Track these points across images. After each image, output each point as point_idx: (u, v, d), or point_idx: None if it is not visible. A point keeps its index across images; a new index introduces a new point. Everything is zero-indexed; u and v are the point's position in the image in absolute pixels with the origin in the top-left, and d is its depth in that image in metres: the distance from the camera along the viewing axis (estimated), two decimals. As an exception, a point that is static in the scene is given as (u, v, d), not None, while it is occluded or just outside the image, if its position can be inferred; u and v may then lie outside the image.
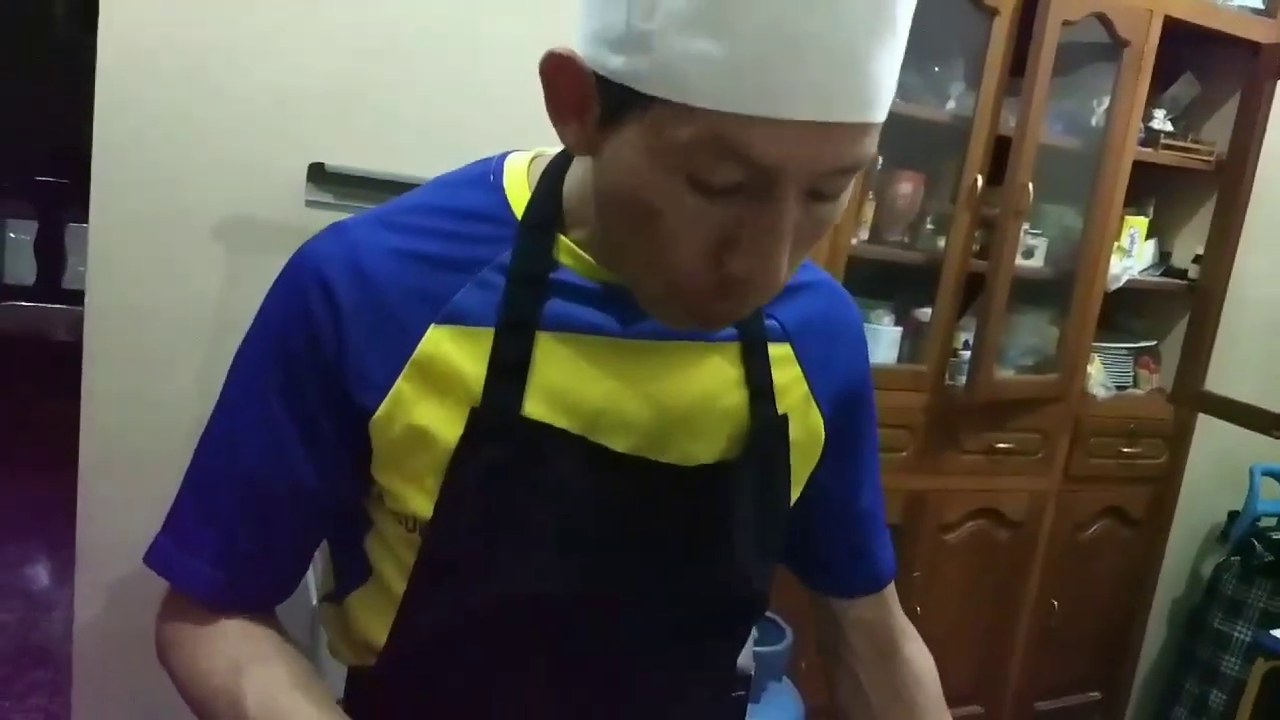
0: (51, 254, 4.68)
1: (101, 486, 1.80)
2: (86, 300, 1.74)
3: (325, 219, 1.93)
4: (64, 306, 4.49)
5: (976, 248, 2.39)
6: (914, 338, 2.46)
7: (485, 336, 0.71)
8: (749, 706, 1.84)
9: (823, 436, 0.85)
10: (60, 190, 4.44)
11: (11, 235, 4.83)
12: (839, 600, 0.93)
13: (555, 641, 0.75)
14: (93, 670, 1.84)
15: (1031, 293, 2.50)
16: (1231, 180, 2.70)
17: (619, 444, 0.74)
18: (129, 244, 1.74)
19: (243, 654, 0.74)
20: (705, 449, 0.77)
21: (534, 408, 0.71)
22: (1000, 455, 2.53)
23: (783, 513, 0.83)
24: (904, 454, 2.39)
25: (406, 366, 0.70)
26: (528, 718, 0.78)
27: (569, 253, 0.73)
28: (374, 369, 0.70)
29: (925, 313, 2.42)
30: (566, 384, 0.72)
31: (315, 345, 0.70)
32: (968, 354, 2.40)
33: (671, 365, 0.75)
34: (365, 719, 0.76)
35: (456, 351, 0.70)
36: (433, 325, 0.70)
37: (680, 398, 0.75)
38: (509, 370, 0.70)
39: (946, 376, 2.44)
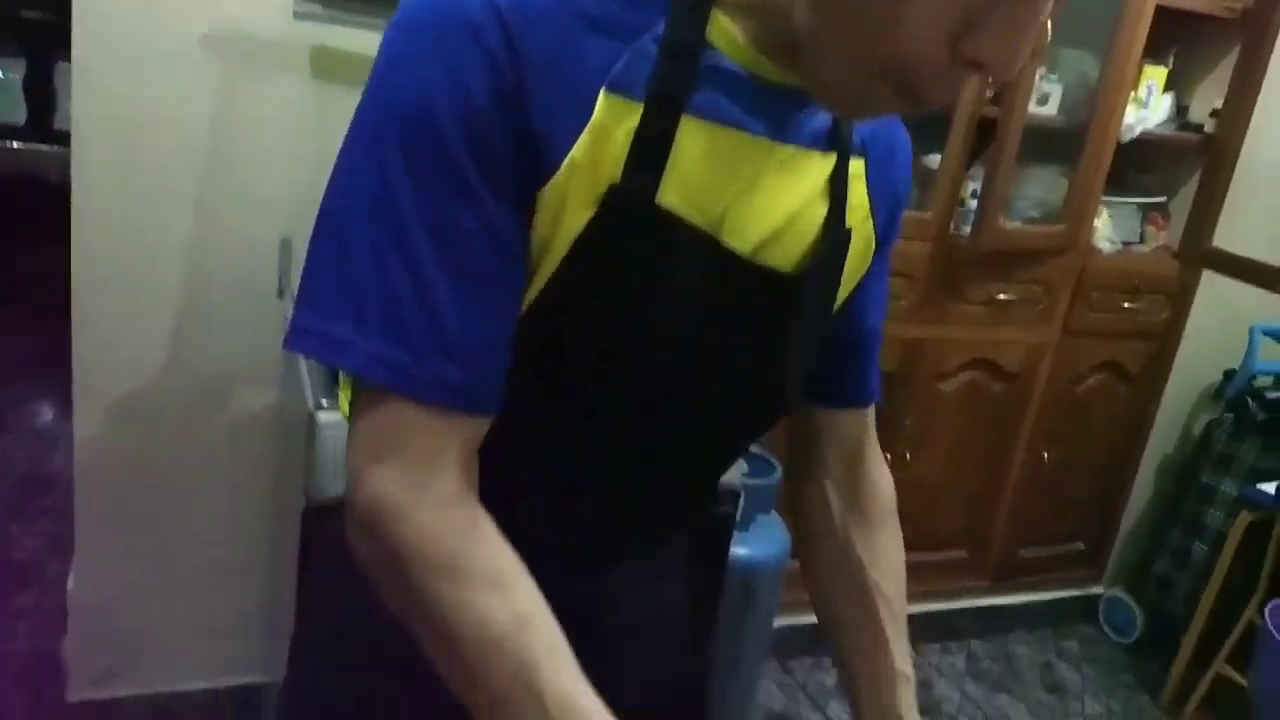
0: (42, 94, 4.56)
1: (96, 321, 1.80)
2: (73, 127, 1.70)
3: (314, 32, 1.87)
4: (56, 148, 4.41)
5: (990, 94, 2.32)
6: (920, 185, 2.41)
7: (635, 112, 0.66)
8: (736, 534, 1.89)
9: (872, 254, 0.85)
10: (49, 28, 4.29)
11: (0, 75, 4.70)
12: (825, 411, 0.94)
13: (628, 420, 0.74)
14: (93, 496, 1.88)
15: (1043, 144, 2.44)
16: (1256, 30, 2.60)
17: (738, 245, 0.72)
18: (113, 71, 1.69)
19: (517, 592, 0.65)
20: (786, 257, 0.76)
21: (669, 196, 0.68)
22: (1001, 306, 2.52)
23: (828, 326, 0.84)
24: (904, 303, 2.38)
25: (584, 133, 0.64)
26: (573, 496, 0.79)
27: (722, 32, 0.68)
28: (556, 131, 0.64)
29: (933, 159, 2.37)
30: (703, 177, 0.69)
31: (500, 96, 0.62)
32: (974, 203, 2.36)
33: (784, 169, 0.73)
34: None
35: (614, 124, 0.65)
36: (603, 91, 0.65)
37: (784, 205, 0.74)
38: (652, 150, 0.66)
39: (951, 225, 2.41)
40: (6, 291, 3.57)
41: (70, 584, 1.94)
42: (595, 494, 0.80)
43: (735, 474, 1.78)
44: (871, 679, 0.88)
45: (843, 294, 0.85)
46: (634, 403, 0.73)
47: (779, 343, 0.78)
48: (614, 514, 0.81)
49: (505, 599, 0.63)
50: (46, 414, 3.02)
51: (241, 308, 1.88)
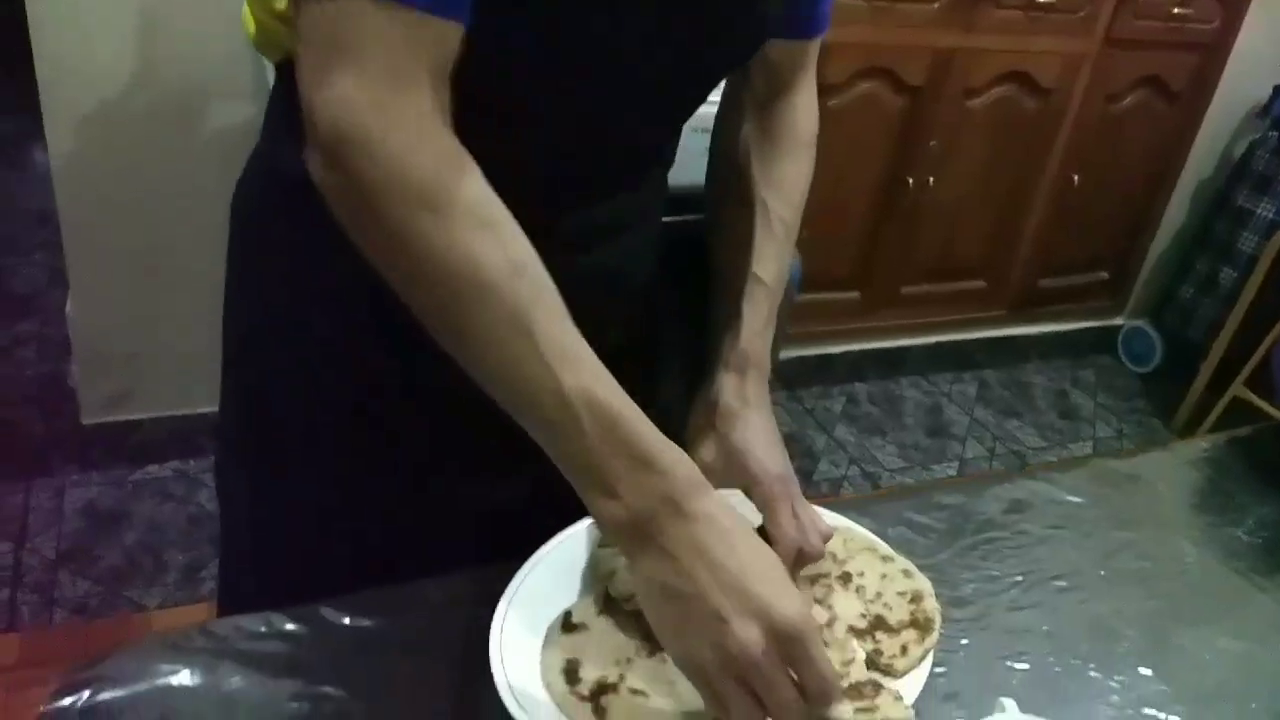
0: None
1: (55, 34, 1.67)
2: None
3: None
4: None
5: None
6: None
7: None
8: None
9: None
10: None
11: None
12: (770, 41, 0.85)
13: (602, 41, 0.68)
14: (79, 224, 1.82)
15: None
16: None
17: None
18: None
19: (507, 235, 0.60)
20: None
21: None
22: (1039, 13, 2.32)
23: None
24: (934, 6, 2.19)
25: None
26: (547, 129, 0.72)
27: None
28: None
29: None
30: None
31: None
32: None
33: None
34: None
35: None
36: None
37: None
38: None
39: (989, -83, 2.18)
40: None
41: (69, 310, 1.91)
42: (569, 127, 0.72)
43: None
44: (724, 284, 0.84)
45: None
46: (609, 22, 0.66)
47: None
48: (587, 147, 0.74)
49: (497, 241, 0.60)
50: (38, 150, 2.92)
51: (209, 18, 1.74)
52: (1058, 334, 2.92)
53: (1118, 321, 3.02)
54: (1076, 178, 2.60)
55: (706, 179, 0.91)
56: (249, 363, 0.87)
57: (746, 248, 0.84)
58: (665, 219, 0.93)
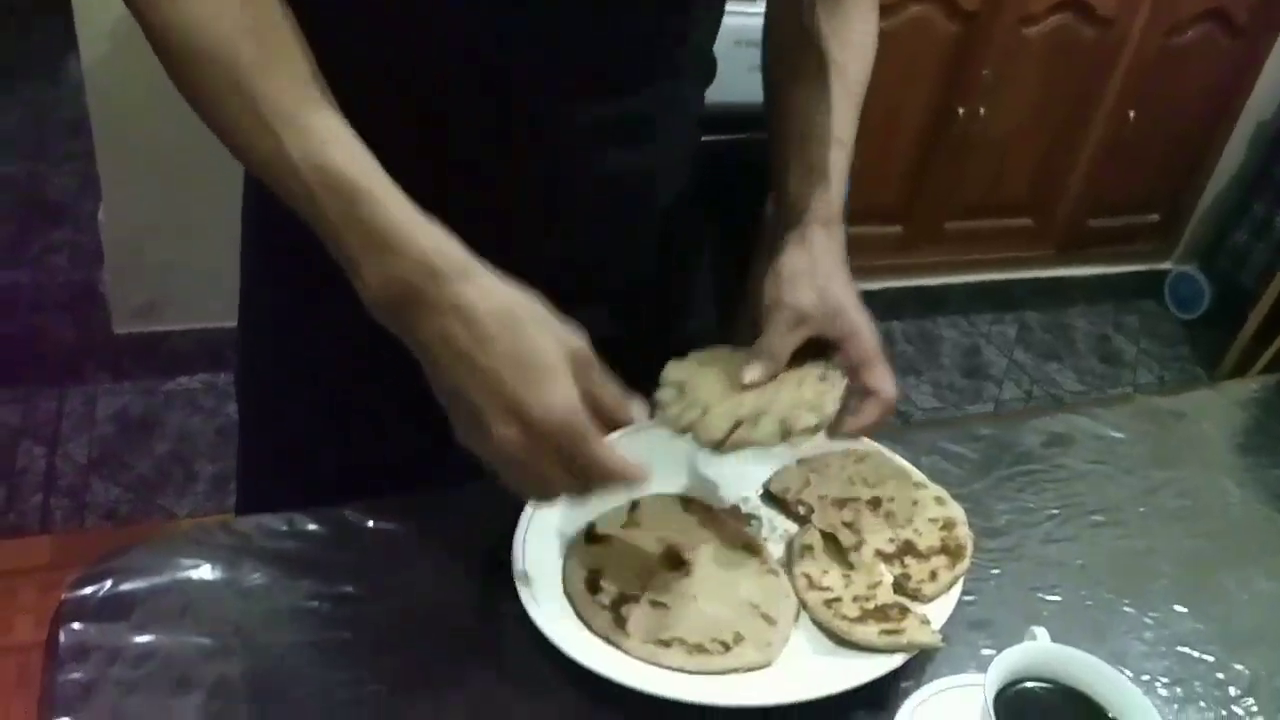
0: None
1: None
2: None
3: None
4: None
5: None
6: None
7: None
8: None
9: None
10: None
11: None
12: None
13: None
14: (111, 132, 1.81)
15: None
16: None
17: None
18: None
19: (247, 4, 0.58)
20: None
21: None
22: (1102, -62, 2.23)
23: None
24: (992, -72, 2.10)
25: None
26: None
27: None
28: None
29: None
30: None
31: None
32: None
33: None
34: None
35: None
36: None
37: None
38: None
39: None
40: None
41: (101, 218, 1.91)
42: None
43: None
44: (801, 137, 0.78)
45: None
46: None
47: None
48: (591, 28, 0.70)
49: (226, 5, 0.57)
50: (72, 59, 2.91)
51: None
52: (1103, 277, 2.85)
53: (1165, 266, 2.94)
54: (1132, 114, 2.51)
55: (764, 39, 0.85)
56: (266, 270, 0.86)
57: (824, 107, 0.78)
58: (705, 137, 0.90)
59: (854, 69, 0.80)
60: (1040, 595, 0.76)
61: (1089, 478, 0.89)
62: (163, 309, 1.99)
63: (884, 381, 0.72)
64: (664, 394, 0.70)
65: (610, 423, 0.59)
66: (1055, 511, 0.84)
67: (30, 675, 1.50)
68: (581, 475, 0.57)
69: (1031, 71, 2.35)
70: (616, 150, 0.75)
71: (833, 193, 0.77)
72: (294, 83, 0.58)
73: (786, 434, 0.67)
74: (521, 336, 0.56)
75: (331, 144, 0.56)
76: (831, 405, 0.69)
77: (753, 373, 0.70)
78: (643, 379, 0.66)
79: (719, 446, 0.67)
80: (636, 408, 0.61)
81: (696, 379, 0.71)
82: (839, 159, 0.78)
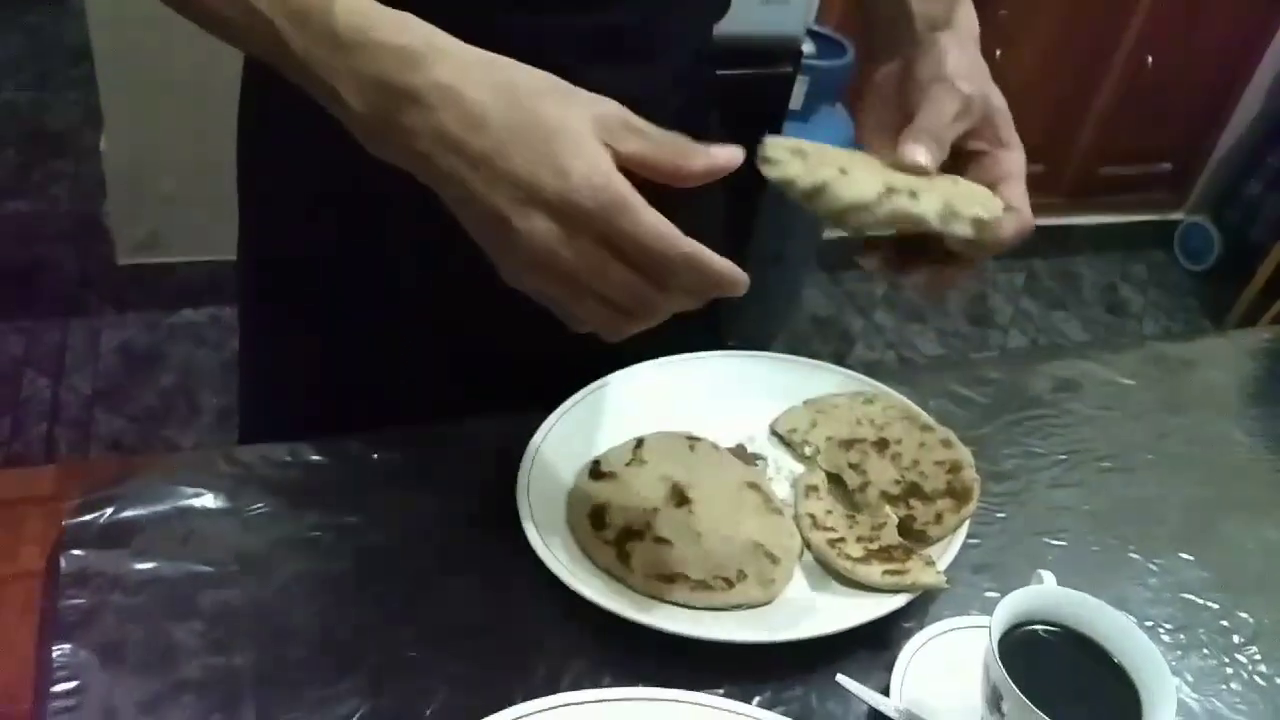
0: None
1: None
2: None
3: None
4: None
5: None
6: None
7: None
8: (792, 124, 1.74)
9: None
10: None
11: None
12: None
13: None
14: (112, 61, 1.78)
15: None
16: None
17: None
18: None
19: None
20: None
21: None
22: (1128, -125, 2.16)
23: None
24: None
25: None
26: None
27: None
28: None
29: None
30: None
31: None
32: None
33: None
34: None
35: None
36: None
37: None
38: None
39: None
40: None
41: (103, 147, 1.89)
42: None
43: (798, 29, 1.59)
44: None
45: None
46: None
47: None
48: None
49: None
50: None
51: None
52: (1112, 225, 2.82)
53: (1176, 216, 2.91)
54: (1150, 59, 2.47)
55: None
56: (262, 200, 0.84)
57: None
58: (720, 71, 0.87)
59: None
60: (1046, 540, 0.75)
61: (1097, 423, 0.88)
62: (166, 241, 1.97)
63: (1025, 202, 0.64)
64: (775, 151, 0.55)
65: (677, 177, 0.49)
66: (1063, 456, 0.83)
67: (36, 605, 1.52)
68: (640, 263, 0.47)
69: (1049, 13, 2.30)
70: (592, 73, 0.71)
71: (969, 8, 0.68)
72: None
73: (951, 217, 0.56)
74: (520, 106, 0.47)
75: None
76: (998, 205, 0.60)
77: (916, 152, 0.59)
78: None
79: (865, 214, 0.54)
80: (719, 151, 0.50)
81: (818, 150, 0.57)
82: (964, 13, 0.68)
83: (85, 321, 1.95)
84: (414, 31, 0.49)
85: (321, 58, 0.49)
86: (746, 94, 1.24)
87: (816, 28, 1.73)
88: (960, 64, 0.64)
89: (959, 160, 0.64)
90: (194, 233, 1.97)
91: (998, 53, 2.24)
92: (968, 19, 0.69)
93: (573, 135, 0.47)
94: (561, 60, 0.67)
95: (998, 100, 0.65)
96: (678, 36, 0.77)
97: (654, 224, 0.47)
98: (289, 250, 0.82)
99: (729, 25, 0.84)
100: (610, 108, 0.50)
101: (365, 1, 0.50)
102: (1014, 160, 0.65)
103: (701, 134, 0.51)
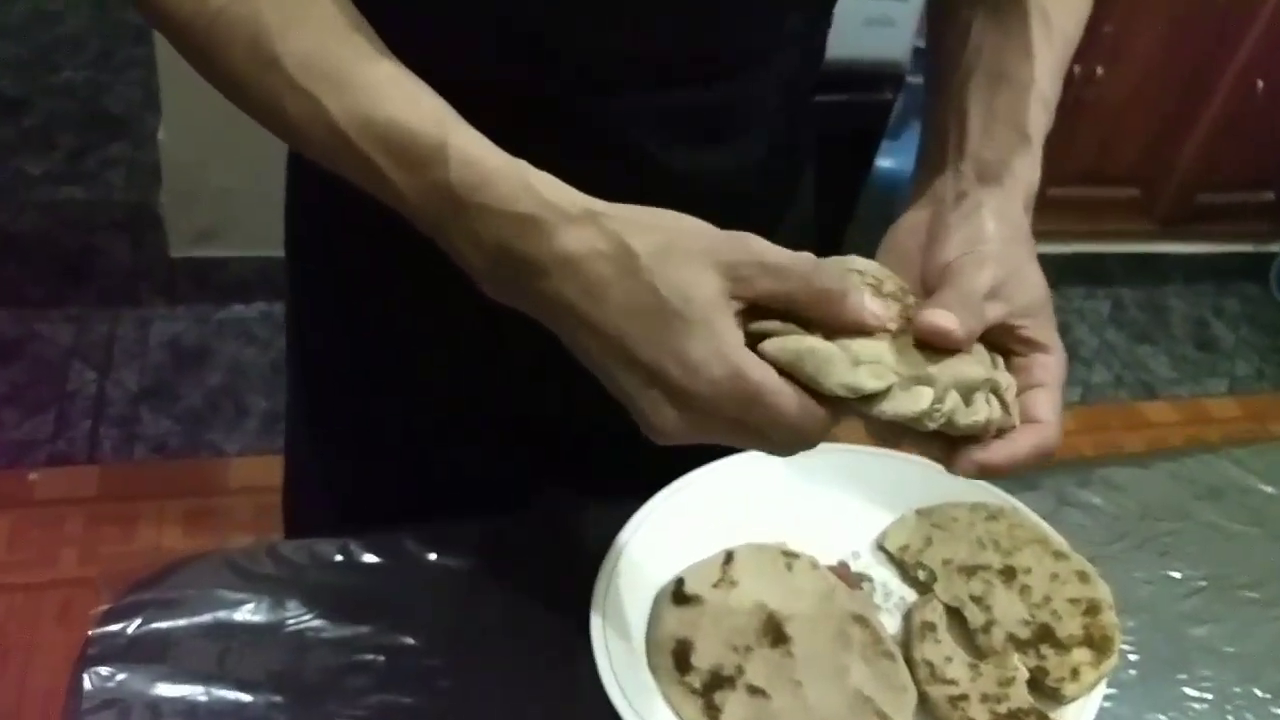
0: None
1: None
2: None
3: None
4: None
5: None
6: None
7: None
8: (885, 142, 1.63)
9: None
10: None
11: None
12: None
13: None
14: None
15: None
16: None
17: None
18: None
19: None
20: None
21: None
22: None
23: None
24: None
25: None
26: None
27: None
28: None
29: None
30: None
31: None
32: None
33: None
34: None
35: None
36: None
37: None
38: None
39: None
40: None
41: (161, 135, 1.83)
42: None
43: (902, 54, 1.48)
44: (991, 77, 0.58)
45: None
46: None
47: None
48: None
49: None
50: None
51: None
52: (1208, 255, 2.66)
53: (1274, 248, 2.75)
54: (1260, 84, 2.31)
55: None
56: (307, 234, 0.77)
57: (1022, 48, 0.59)
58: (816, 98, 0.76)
59: (1063, 22, 0.60)
60: (1186, 690, 0.66)
61: (1238, 541, 0.78)
62: (221, 234, 1.92)
63: (1053, 413, 0.52)
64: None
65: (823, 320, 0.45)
66: (1202, 584, 0.74)
67: (73, 612, 1.48)
68: (774, 441, 0.45)
69: (1156, 31, 2.16)
70: (679, 150, 0.61)
71: (1034, 158, 0.57)
72: (335, 35, 0.47)
73: (941, 417, 0.47)
74: (639, 277, 0.43)
75: (385, 95, 0.45)
76: (1010, 403, 0.50)
77: (945, 318, 0.47)
78: None
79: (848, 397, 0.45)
80: (871, 305, 0.46)
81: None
82: (1039, 118, 0.58)
83: (135, 314, 1.90)
84: (531, 193, 0.44)
85: (436, 212, 0.45)
86: (840, 121, 1.14)
87: (920, 43, 1.62)
88: (996, 238, 0.54)
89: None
90: (251, 226, 1.91)
91: (1099, 70, 2.12)
92: (1027, 171, 0.57)
93: (696, 313, 0.43)
94: (639, 143, 0.59)
95: (1036, 290, 0.54)
96: (768, 110, 0.67)
97: (789, 410, 0.44)
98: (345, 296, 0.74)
99: (828, 49, 0.75)
100: (740, 249, 0.44)
101: (476, 147, 0.45)
102: (1050, 367, 0.53)
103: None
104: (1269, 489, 0.83)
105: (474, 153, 0.44)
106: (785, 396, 0.44)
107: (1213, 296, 2.67)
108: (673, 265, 0.43)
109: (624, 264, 0.43)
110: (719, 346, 0.42)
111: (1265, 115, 2.39)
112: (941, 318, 0.47)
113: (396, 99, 0.45)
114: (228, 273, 1.94)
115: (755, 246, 0.44)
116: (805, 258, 0.45)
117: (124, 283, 1.91)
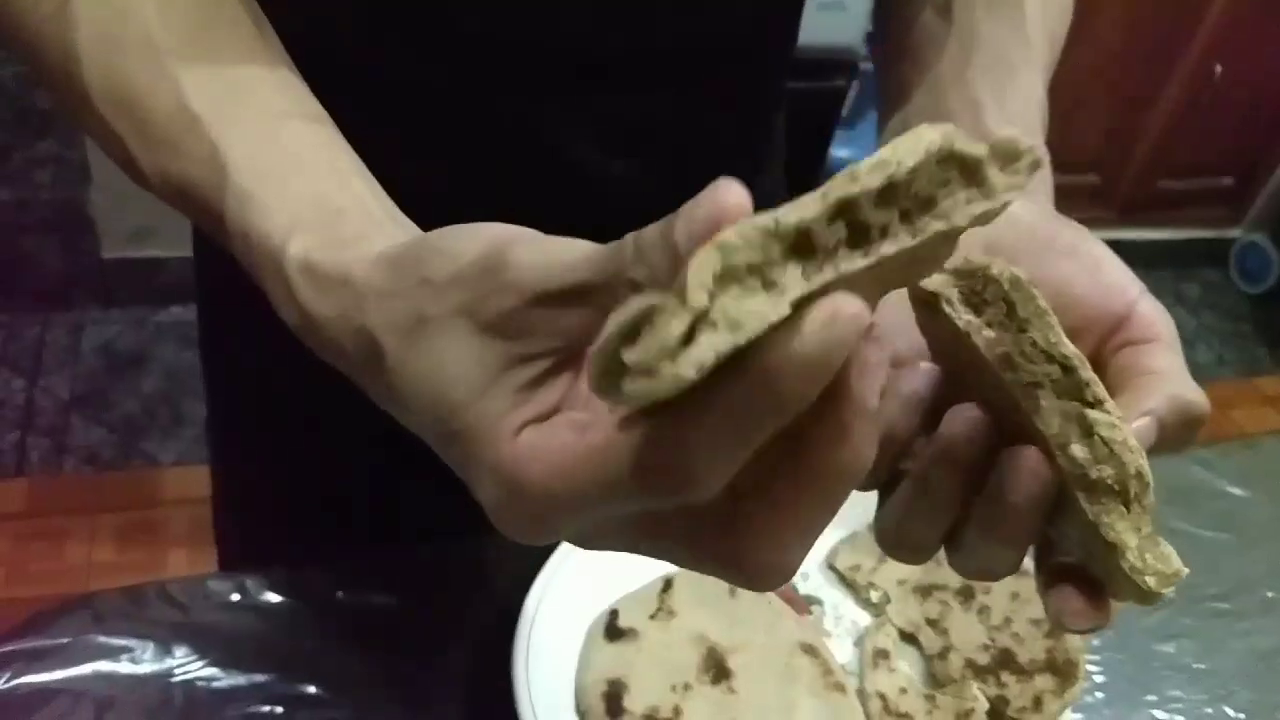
0: None
1: None
2: None
3: None
4: None
5: None
6: None
7: None
8: (839, 131, 1.59)
9: None
10: None
11: None
12: None
13: None
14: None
15: None
16: None
17: None
18: None
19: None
20: None
21: None
22: None
23: None
24: None
25: None
26: None
27: None
28: None
29: None
30: None
31: None
32: None
33: None
34: None
35: None
36: None
37: None
38: None
39: None
40: None
41: (89, 132, 1.75)
42: None
43: (855, 40, 1.43)
44: (985, 68, 0.45)
45: None
46: None
47: None
48: None
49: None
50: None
51: None
52: (1168, 241, 2.65)
53: (1233, 234, 2.74)
54: (1219, 69, 2.29)
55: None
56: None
57: (1020, 37, 0.47)
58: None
59: (1042, 30, 0.50)
60: (1155, 713, 0.62)
61: (1205, 549, 0.74)
62: (156, 234, 1.83)
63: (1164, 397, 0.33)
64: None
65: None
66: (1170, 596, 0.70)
67: None
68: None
69: (1112, 13, 2.13)
70: (618, 163, 0.56)
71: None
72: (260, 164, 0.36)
73: None
74: (394, 392, 0.31)
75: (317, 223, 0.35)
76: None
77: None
78: None
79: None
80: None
81: None
82: (1034, 114, 0.46)
83: (66, 317, 1.82)
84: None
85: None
86: (794, 109, 1.09)
87: (872, 29, 1.58)
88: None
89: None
90: (186, 226, 1.83)
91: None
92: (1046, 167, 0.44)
93: (458, 425, 0.29)
94: (575, 154, 0.54)
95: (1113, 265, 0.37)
96: (724, 132, 0.60)
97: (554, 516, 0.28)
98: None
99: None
100: (494, 287, 0.28)
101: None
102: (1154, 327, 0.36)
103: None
104: (1239, 491, 0.80)
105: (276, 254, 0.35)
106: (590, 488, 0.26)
107: (1173, 283, 2.66)
108: (424, 356, 0.30)
109: (374, 370, 0.32)
110: (494, 463, 0.28)
111: (1224, 100, 2.37)
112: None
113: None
114: (165, 274, 1.86)
115: (513, 276, 0.28)
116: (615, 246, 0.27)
117: (55, 286, 1.82)
